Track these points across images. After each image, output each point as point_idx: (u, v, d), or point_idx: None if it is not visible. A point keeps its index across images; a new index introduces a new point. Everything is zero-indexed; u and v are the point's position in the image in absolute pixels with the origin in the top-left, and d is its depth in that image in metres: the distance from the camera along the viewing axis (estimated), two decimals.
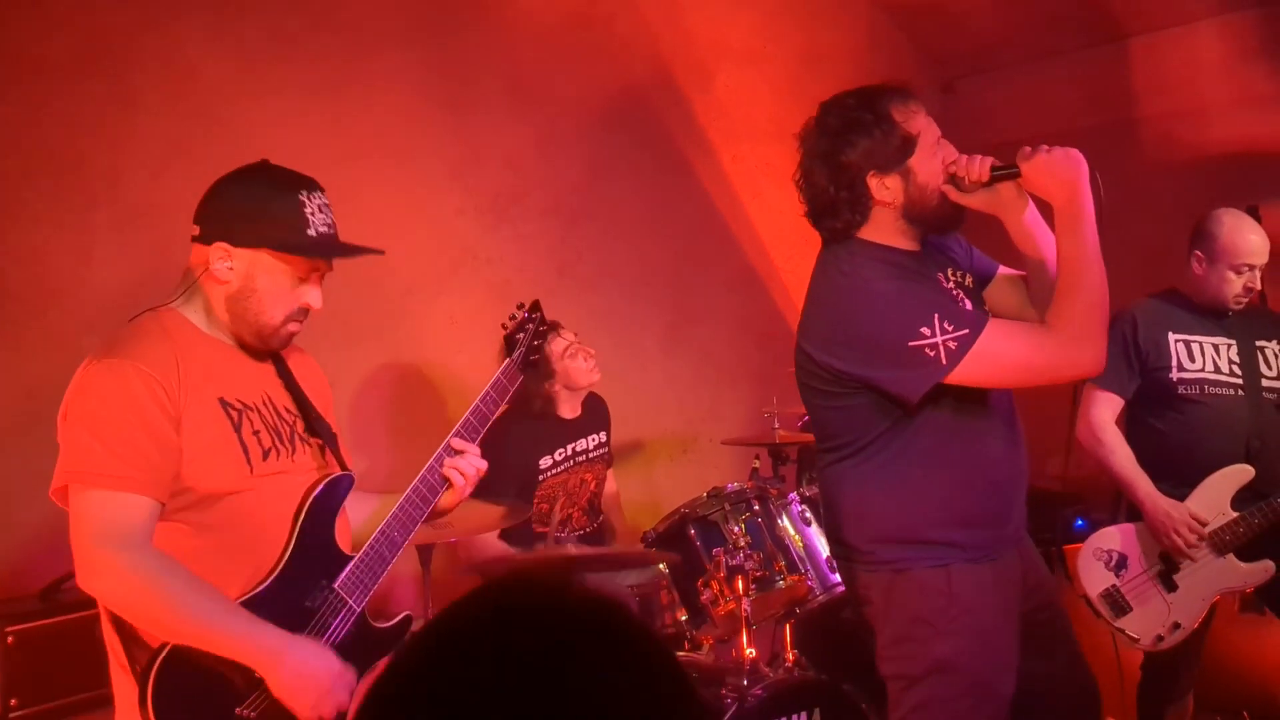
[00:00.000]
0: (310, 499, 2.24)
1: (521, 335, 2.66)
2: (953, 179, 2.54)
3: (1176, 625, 3.56)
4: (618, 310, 5.01)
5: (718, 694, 3.20)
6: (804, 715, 3.21)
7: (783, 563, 3.57)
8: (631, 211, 5.15)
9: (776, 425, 4.14)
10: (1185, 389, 3.62)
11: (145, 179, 3.72)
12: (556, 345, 4.00)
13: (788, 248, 5.58)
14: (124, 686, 2.11)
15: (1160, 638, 3.57)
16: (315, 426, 2.35)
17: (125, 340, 2.14)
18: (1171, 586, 3.58)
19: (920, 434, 2.50)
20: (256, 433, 2.21)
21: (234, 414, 2.19)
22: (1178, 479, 3.58)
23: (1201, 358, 3.63)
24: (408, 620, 2.37)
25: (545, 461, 4.02)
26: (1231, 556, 3.55)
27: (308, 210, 2.23)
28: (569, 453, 4.10)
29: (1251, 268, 3.57)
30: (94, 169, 3.67)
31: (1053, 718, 2.69)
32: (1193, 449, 3.61)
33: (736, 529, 3.56)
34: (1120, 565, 3.64)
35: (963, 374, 2.40)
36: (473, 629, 0.87)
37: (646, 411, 5.02)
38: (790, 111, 5.74)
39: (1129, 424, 3.71)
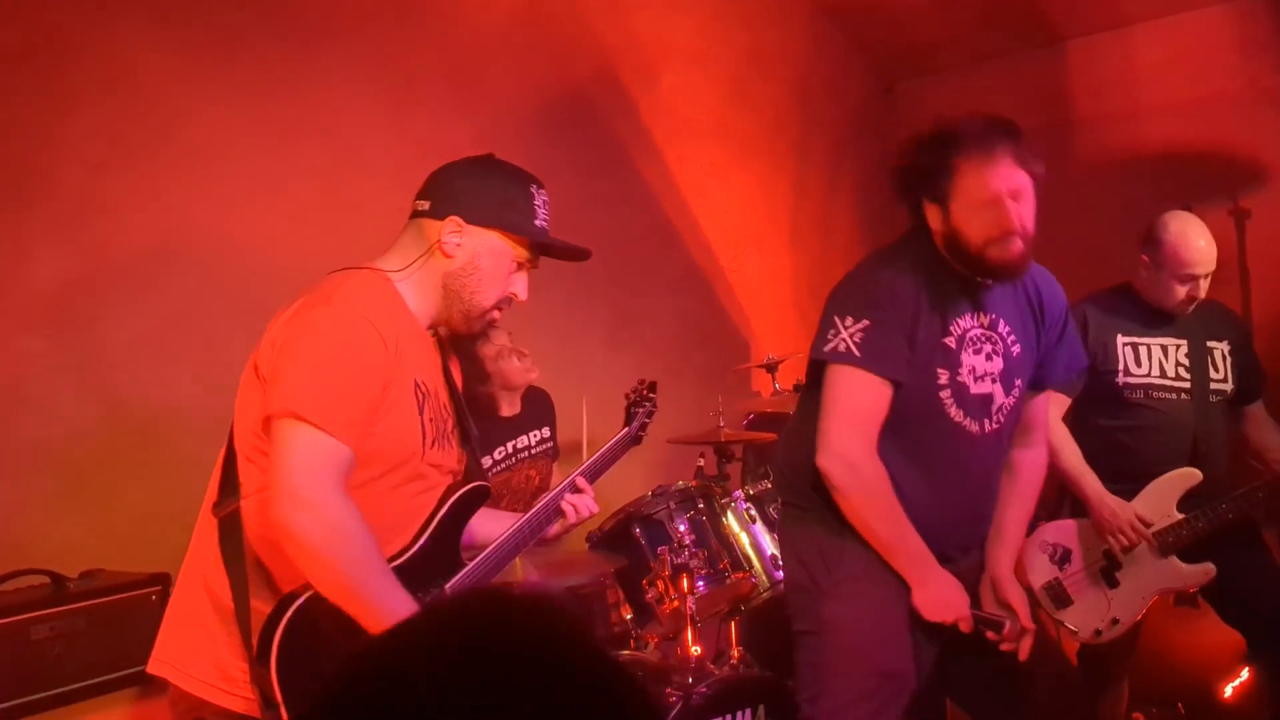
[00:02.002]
0: (455, 498, 2.30)
1: (639, 410, 2.98)
2: None
3: (1115, 621, 3.61)
4: (562, 310, 4.99)
5: (663, 692, 3.20)
6: (749, 712, 3.21)
7: (727, 560, 3.58)
8: (576, 211, 5.11)
9: (722, 424, 4.15)
10: (1130, 393, 3.65)
11: (84, 176, 3.66)
12: (489, 349, 3.97)
13: (733, 247, 5.60)
14: (209, 626, 2.12)
15: (1099, 632, 3.62)
16: (465, 427, 2.43)
17: (356, 293, 2.16)
18: (1113, 583, 3.63)
19: (907, 411, 2.62)
20: (432, 420, 2.27)
21: (420, 395, 2.24)
22: (1124, 478, 3.63)
23: (1149, 361, 3.66)
24: None
25: (485, 462, 3.99)
26: (1174, 557, 3.60)
27: (537, 202, 2.36)
28: (509, 450, 4.08)
29: (1195, 277, 3.55)
30: (32, 166, 3.60)
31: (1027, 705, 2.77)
32: (1139, 450, 3.65)
33: (681, 527, 3.57)
34: (1064, 559, 3.69)
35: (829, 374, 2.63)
36: (411, 658, 0.86)
37: (591, 410, 5.00)
38: (734, 111, 5.82)
39: (1077, 423, 3.74)
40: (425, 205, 2.30)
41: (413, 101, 4.54)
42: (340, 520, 2.01)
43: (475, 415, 3.98)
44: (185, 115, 3.86)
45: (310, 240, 4.11)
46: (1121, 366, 3.65)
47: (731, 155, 5.76)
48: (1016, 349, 2.73)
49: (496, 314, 2.36)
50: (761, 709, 3.24)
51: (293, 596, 2.03)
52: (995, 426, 2.71)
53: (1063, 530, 3.72)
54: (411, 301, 2.27)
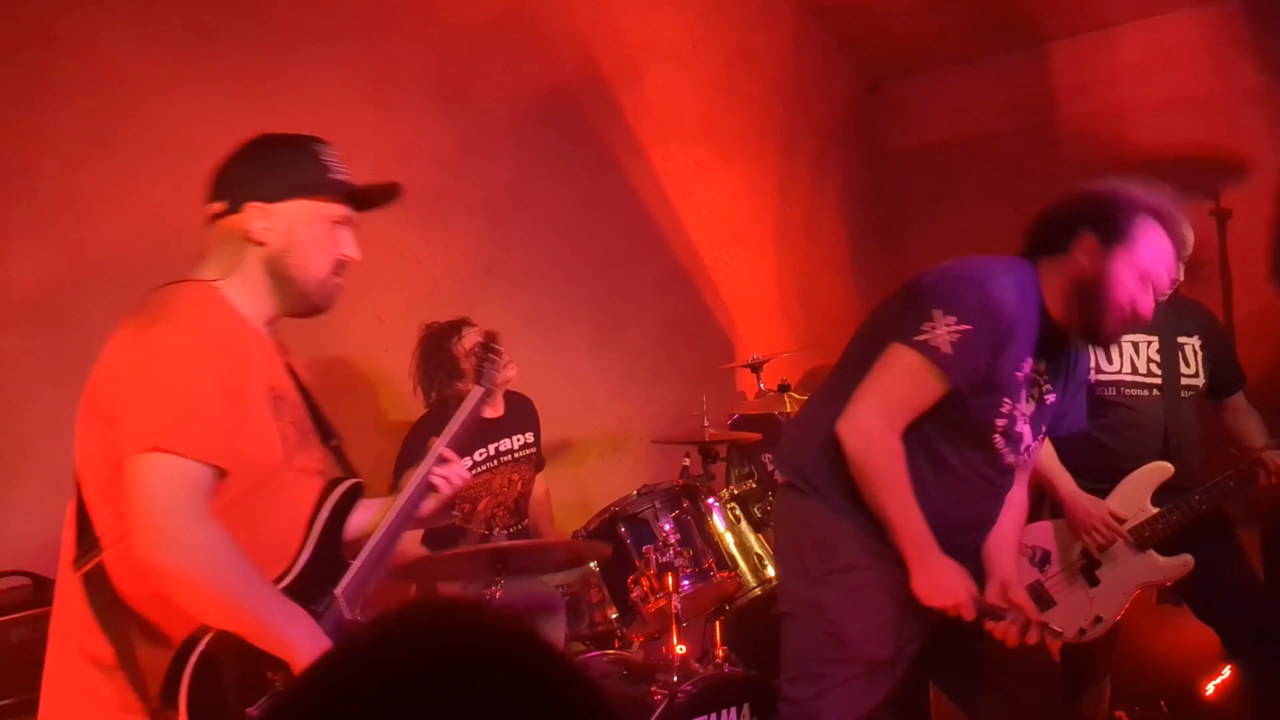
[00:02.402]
0: (333, 501, 2.21)
1: (485, 365, 2.77)
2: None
3: (1098, 619, 3.63)
4: (546, 309, 5.00)
5: (648, 691, 3.19)
6: (734, 710, 3.21)
7: (712, 559, 3.58)
8: (560, 211, 5.14)
9: (706, 423, 4.15)
10: (1102, 390, 3.67)
11: (63, 173, 3.64)
12: (462, 346, 3.97)
13: (717, 247, 5.60)
14: (92, 684, 2.01)
15: (1083, 631, 3.63)
16: (326, 428, 2.33)
17: (188, 308, 2.07)
18: (1093, 581, 3.64)
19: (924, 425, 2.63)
20: (292, 424, 2.18)
21: (275, 402, 2.14)
22: (1099, 477, 3.64)
23: (1120, 359, 3.68)
24: None
25: (465, 462, 3.98)
26: (1151, 552, 3.62)
27: (325, 158, 2.23)
28: (491, 452, 4.07)
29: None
30: (10, 164, 3.58)
31: (1013, 691, 2.77)
32: (1112, 447, 3.67)
33: (666, 526, 3.57)
34: (1044, 561, 3.69)
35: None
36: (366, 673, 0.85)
37: (576, 411, 5.01)
38: (718, 111, 5.82)
39: None
40: (221, 206, 2.17)
41: (397, 101, 4.53)
42: (211, 547, 1.92)
43: (445, 417, 4.01)
44: (167, 114, 3.84)
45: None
46: (1093, 364, 3.67)
47: (717, 155, 5.76)
48: (1050, 398, 2.80)
49: (339, 280, 2.24)
50: (746, 708, 3.24)
51: (194, 639, 1.92)
52: (1017, 463, 2.78)
53: (1040, 532, 3.73)
54: (242, 305, 2.16)
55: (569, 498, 4.75)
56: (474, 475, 4.00)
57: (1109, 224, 2.64)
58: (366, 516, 2.34)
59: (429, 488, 2.41)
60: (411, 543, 3.79)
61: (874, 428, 2.58)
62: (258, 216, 2.14)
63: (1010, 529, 2.87)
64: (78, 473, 2.08)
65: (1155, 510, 3.60)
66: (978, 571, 2.75)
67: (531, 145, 5.02)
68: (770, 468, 4.12)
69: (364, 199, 2.28)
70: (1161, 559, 3.62)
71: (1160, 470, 3.61)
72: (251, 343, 2.13)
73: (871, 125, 6.41)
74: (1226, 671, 4.15)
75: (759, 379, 4.67)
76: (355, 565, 2.21)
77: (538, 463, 4.27)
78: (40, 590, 3.09)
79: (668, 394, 5.33)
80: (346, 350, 4.39)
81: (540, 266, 5.02)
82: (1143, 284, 2.65)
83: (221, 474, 1.98)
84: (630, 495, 3.69)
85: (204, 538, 1.91)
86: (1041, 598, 3.65)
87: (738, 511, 3.79)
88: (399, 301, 4.44)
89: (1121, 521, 3.59)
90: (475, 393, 2.62)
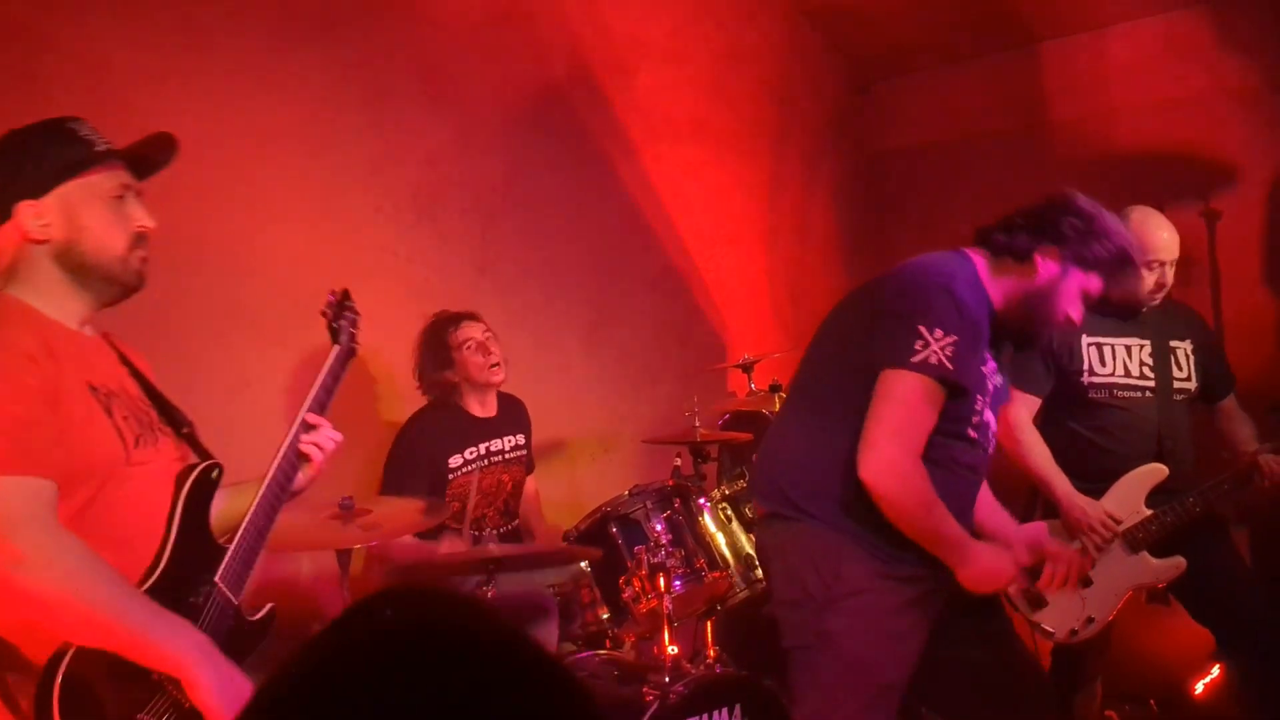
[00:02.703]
0: (188, 487, 2.13)
1: (341, 322, 2.57)
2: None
3: (1090, 619, 3.64)
4: (538, 309, 4.99)
5: (639, 691, 3.19)
6: (725, 711, 3.21)
7: (704, 560, 3.59)
8: (552, 211, 5.13)
9: (698, 424, 4.15)
10: (1095, 393, 3.68)
11: None
12: (456, 336, 4.00)
13: (708, 247, 5.60)
14: None
15: (1075, 631, 3.65)
16: (172, 415, 2.25)
17: None
18: (1086, 582, 3.65)
19: None
20: (126, 418, 2.10)
21: (103, 399, 2.06)
22: (1093, 478, 3.66)
23: (1113, 361, 3.70)
24: (273, 612, 2.25)
25: (455, 460, 4.00)
26: (1144, 553, 3.63)
27: (83, 132, 2.11)
28: (481, 452, 4.07)
29: (1162, 263, 3.61)
30: None
31: (1005, 704, 2.76)
32: (1107, 449, 3.69)
33: (658, 526, 3.57)
34: None
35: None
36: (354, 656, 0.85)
37: (568, 410, 5.01)
38: (710, 111, 5.82)
39: (1046, 424, 3.77)
40: None
41: (387, 100, 4.53)
42: (70, 562, 1.86)
43: (436, 411, 4.05)
44: (157, 114, 3.79)
45: (284, 241, 4.09)
46: (1086, 366, 3.68)
47: (708, 154, 5.76)
48: (998, 380, 2.83)
49: (143, 253, 2.15)
50: (738, 708, 3.24)
51: (56, 660, 1.84)
52: (989, 448, 2.82)
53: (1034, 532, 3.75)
54: (45, 308, 2.06)
55: (561, 497, 4.75)
56: (463, 474, 4.00)
57: (1078, 246, 2.68)
58: (239, 499, 2.26)
59: (299, 456, 2.31)
60: (408, 542, 3.80)
61: (902, 464, 2.56)
62: (30, 215, 2.05)
63: (987, 495, 2.92)
64: None
65: (1150, 512, 3.62)
66: None
67: (522, 145, 5.02)
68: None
69: (140, 162, 2.18)
70: (1154, 560, 3.64)
71: (1155, 472, 3.63)
72: (60, 344, 2.04)
73: (862, 125, 6.42)
74: (1216, 671, 4.17)
75: (750, 379, 4.68)
76: (232, 548, 2.14)
77: (528, 464, 4.27)
78: None
79: (659, 394, 5.33)
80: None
81: (531, 266, 5.02)
82: (1082, 304, 2.73)
83: (58, 484, 1.91)
84: (622, 495, 3.69)
85: (59, 553, 1.85)
86: (1034, 598, 3.67)
87: (729, 512, 3.79)
88: (390, 303, 4.43)
89: (1117, 523, 3.61)
90: (333, 353, 2.49)
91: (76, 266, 2.08)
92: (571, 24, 5.21)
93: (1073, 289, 2.70)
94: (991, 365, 2.75)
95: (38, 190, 2.05)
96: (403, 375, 4.22)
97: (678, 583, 3.47)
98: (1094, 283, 2.72)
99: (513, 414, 4.24)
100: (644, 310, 5.47)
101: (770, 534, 2.77)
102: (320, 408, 2.39)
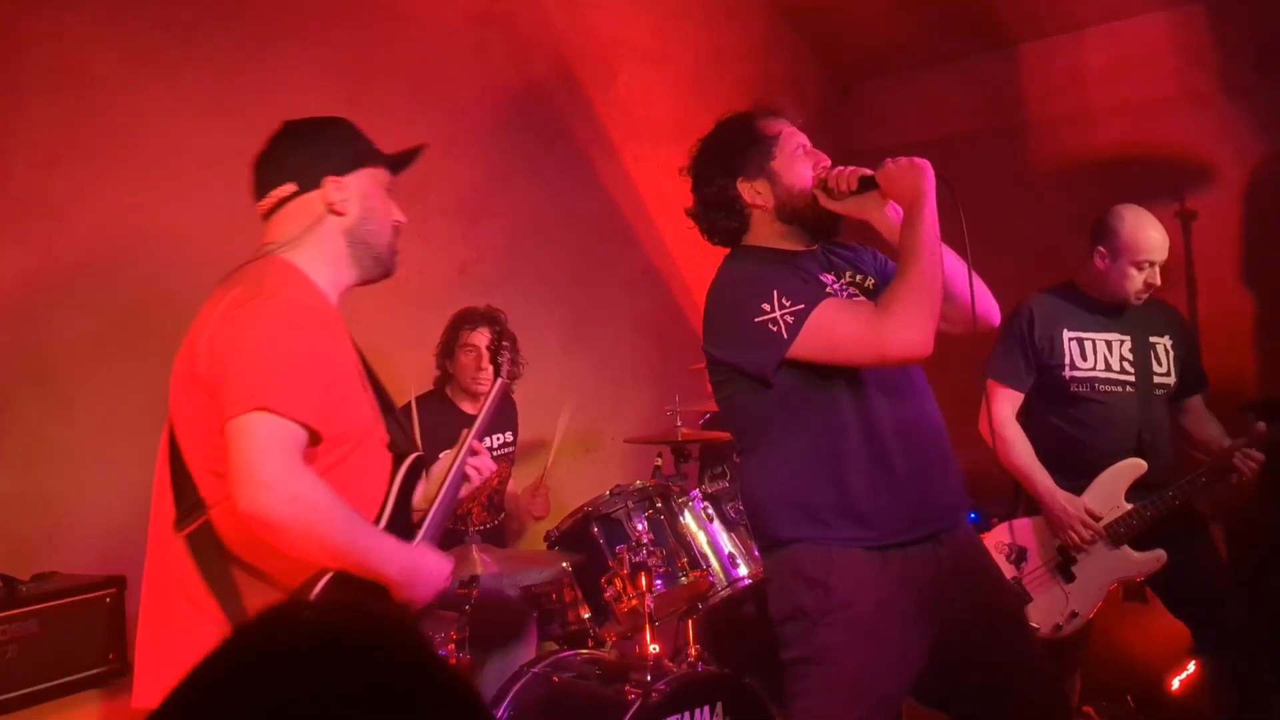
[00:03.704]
0: (404, 471, 2.32)
1: (501, 359, 2.94)
2: (824, 187, 2.67)
3: (1074, 614, 3.67)
4: (519, 309, 4.96)
5: (621, 690, 3.21)
6: (707, 709, 3.23)
7: (685, 559, 3.60)
8: (533, 211, 5.14)
9: (679, 423, 4.17)
10: (1077, 386, 3.72)
11: (35, 171, 3.61)
12: (464, 336, 4.12)
13: (689, 247, 5.61)
14: (201, 639, 2.04)
15: (1059, 626, 3.68)
16: (387, 401, 2.45)
17: (285, 282, 2.17)
18: (1069, 577, 3.69)
19: (802, 412, 2.59)
20: (369, 393, 2.32)
21: (360, 371, 2.30)
22: (1074, 472, 3.69)
23: (1094, 356, 3.73)
24: None
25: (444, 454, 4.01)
26: (1126, 547, 3.67)
27: (361, 131, 2.37)
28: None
29: (1152, 264, 3.65)
30: None
31: (1017, 711, 2.70)
32: (1087, 443, 3.72)
33: (639, 526, 3.59)
34: (1020, 558, 3.73)
35: (803, 348, 2.50)
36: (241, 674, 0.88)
37: (549, 411, 5.02)
38: (692, 111, 5.82)
39: (1027, 419, 3.80)
40: (290, 189, 2.28)
41: (370, 100, 4.51)
42: (309, 492, 2.01)
43: (438, 394, 4.09)
44: (138, 113, 3.82)
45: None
46: (1068, 361, 3.72)
47: (689, 154, 5.76)
48: (872, 283, 2.82)
49: (397, 245, 2.41)
50: (720, 706, 3.26)
51: (312, 582, 2.04)
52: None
53: (1018, 529, 3.77)
54: (320, 278, 2.26)
55: None
56: None
57: (747, 160, 2.75)
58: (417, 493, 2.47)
59: (464, 478, 2.55)
60: None
61: None
62: (334, 189, 2.27)
63: None
64: (179, 437, 2.16)
65: (1130, 506, 3.66)
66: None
67: (504, 145, 5.02)
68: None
69: (402, 164, 2.42)
70: (1135, 554, 3.68)
71: (1134, 467, 3.66)
72: (335, 317, 2.26)
73: (843, 126, 6.44)
74: (1191, 667, 4.21)
75: None
76: (419, 536, 2.33)
77: (513, 460, 4.29)
78: (11, 591, 3.05)
79: (640, 394, 5.35)
80: None
81: (513, 266, 5.02)
82: (795, 160, 2.73)
83: (316, 437, 2.09)
84: (603, 495, 3.70)
85: (301, 483, 2.01)
86: (1019, 594, 3.69)
87: (710, 510, 3.81)
88: (370, 302, 4.41)
89: (1097, 518, 3.64)
90: (495, 385, 2.81)
91: (361, 243, 2.31)
92: (553, 24, 5.21)
93: (789, 157, 2.71)
94: (829, 278, 2.69)
95: (342, 169, 2.29)
96: (384, 373, 4.21)
97: (659, 582, 3.48)
98: (799, 138, 2.75)
99: (502, 411, 4.26)
100: (625, 310, 5.48)
101: (767, 564, 2.75)
102: (481, 435, 2.68)
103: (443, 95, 4.77)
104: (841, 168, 2.67)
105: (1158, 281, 3.68)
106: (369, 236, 2.31)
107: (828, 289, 2.63)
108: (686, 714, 3.19)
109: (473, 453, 2.59)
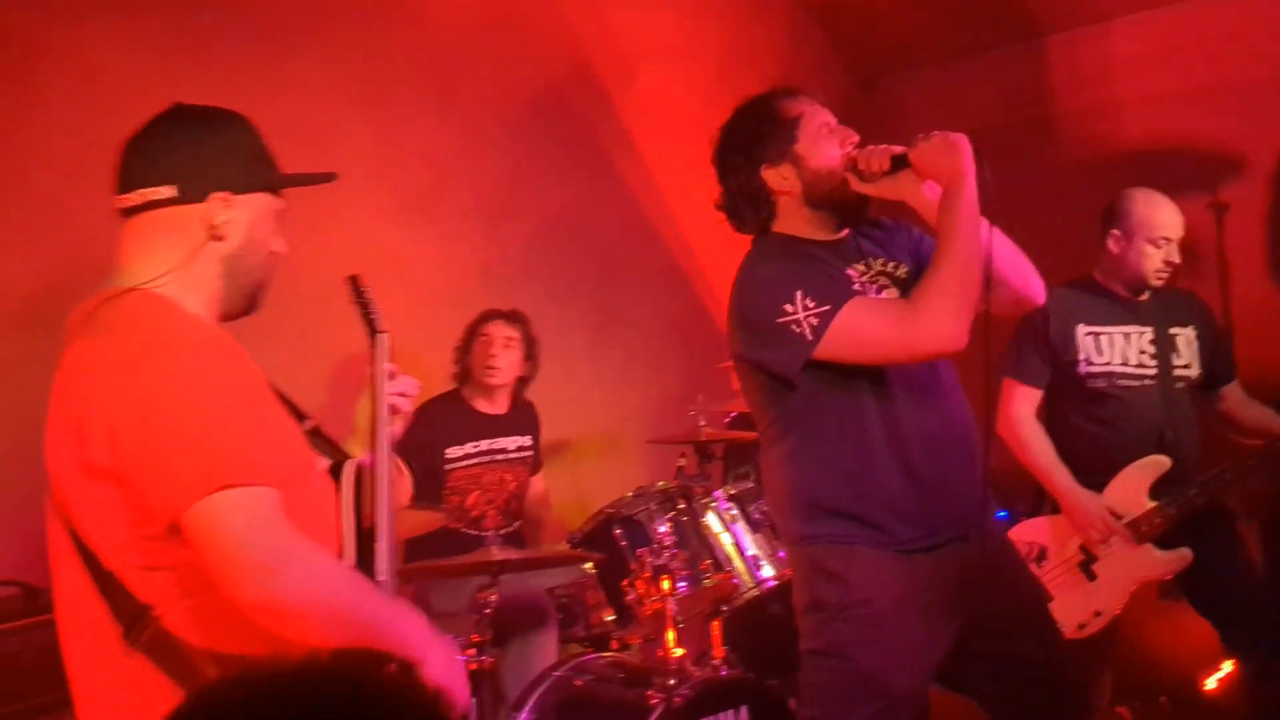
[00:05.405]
0: (352, 486, 1.99)
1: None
2: (855, 169, 2.60)
3: (1098, 613, 3.62)
4: (542, 310, 4.96)
5: (644, 694, 3.18)
6: (732, 713, 3.20)
7: (708, 561, 3.57)
8: (555, 211, 5.12)
9: (702, 423, 4.13)
10: (1094, 382, 3.65)
11: (55, 179, 3.62)
12: (482, 327, 4.16)
13: (713, 245, 5.57)
14: None
15: (1083, 625, 3.62)
16: (298, 412, 2.08)
17: (161, 325, 1.80)
18: (1092, 576, 3.63)
19: (827, 412, 2.56)
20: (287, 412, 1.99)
21: (274, 393, 1.94)
22: (1095, 470, 3.63)
23: (1110, 350, 3.66)
24: None
25: (454, 451, 4.02)
26: (1149, 545, 3.60)
27: (264, 141, 1.99)
28: (484, 447, 4.09)
29: (1169, 240, 3.58)
30: (2, 170, 3.56)
31: (1037, 705, 2.67)
32: (1108, 440, 3.65)
33: (662, 528, 3.56)
34: (1042, 556, 3.69)
35: (829, 350, 2.46)
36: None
37: (573, 411, 5.00)
38: (713, 108, 5.72)
39: (1049, 418, 3.74)
40: (169, 191, 1.86)
41: (388, 102, 4.52)
42: (325, 567, 1.76)
43: (439, 399, 4.07)
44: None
45: (287, 242, 4.07)
46: (1083, 356, 3.64)
47: (711, 152, 5.73)
48: (903, 271, 2.78)
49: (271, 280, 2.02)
50: (745, 710, 3.22)
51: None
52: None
53: (1036, 528, 3.73)
54: (199, 309, 1.88)
55: (566, 498, 4.75)
56: (461, 468, 4.01)
57: (770, 145, 2.73)
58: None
59: (393, 412, 2.20)
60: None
61: None
62: (222, 208, 1.88)
63: None
64: (91, 547, 1.77)
65: (1153, 504, 3.59)
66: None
67: (525, 145, 5.00)
68: None
69: (301, 185, 2.07)
70: (1159, 552, 3.61)
71: (1157, 464, 3.59)
72: (234, 344, 1.89)
73: (867, 121, 6.36)
74: (1228, 666, 4.14)
75: None
76: (381, 544, 1.98)
77: (533, 466, 4.28)
78: (31, 599, 3.06)
79: (664, 393, 5.32)
80: (339, 354, 4.37)
81: (535, 267, 5.01)
82: (820, 140, 2.67)
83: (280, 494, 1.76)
84: (625, 496, 3.68)
85: (315, 560, 1.74)
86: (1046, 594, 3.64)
87: (734, 512, 3.77)
88: (394, 304, 4.38)
89: (1119, 516, 3.58)
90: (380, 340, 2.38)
91: (236, 275, 1.92)
92: (572, 24, 5.19)
93: (813, 138, 2.65)
94: (857, 271, 2.63)
95: (239, 187, 1.91)
96: (412, 374, 4.21)
97: (682, 584, 3.45)
98: (823, 116, 2.70)
99: (523, 415, 4.27)
100: (648, 310, 5.45)
101: (790, 555, 2.75)
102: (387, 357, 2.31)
103: (462, 95, 4.76)
104: (872, 147, 2.60)
105: (1176, 259, 3.61)
106: (251, 270, 1.93)
107: (855, 285, 2.58)
108: (710, 719, 3.15)
109: (391, 378, 2.21)
